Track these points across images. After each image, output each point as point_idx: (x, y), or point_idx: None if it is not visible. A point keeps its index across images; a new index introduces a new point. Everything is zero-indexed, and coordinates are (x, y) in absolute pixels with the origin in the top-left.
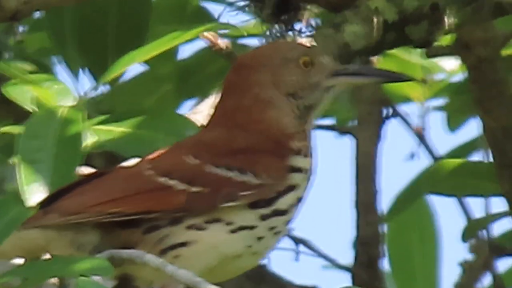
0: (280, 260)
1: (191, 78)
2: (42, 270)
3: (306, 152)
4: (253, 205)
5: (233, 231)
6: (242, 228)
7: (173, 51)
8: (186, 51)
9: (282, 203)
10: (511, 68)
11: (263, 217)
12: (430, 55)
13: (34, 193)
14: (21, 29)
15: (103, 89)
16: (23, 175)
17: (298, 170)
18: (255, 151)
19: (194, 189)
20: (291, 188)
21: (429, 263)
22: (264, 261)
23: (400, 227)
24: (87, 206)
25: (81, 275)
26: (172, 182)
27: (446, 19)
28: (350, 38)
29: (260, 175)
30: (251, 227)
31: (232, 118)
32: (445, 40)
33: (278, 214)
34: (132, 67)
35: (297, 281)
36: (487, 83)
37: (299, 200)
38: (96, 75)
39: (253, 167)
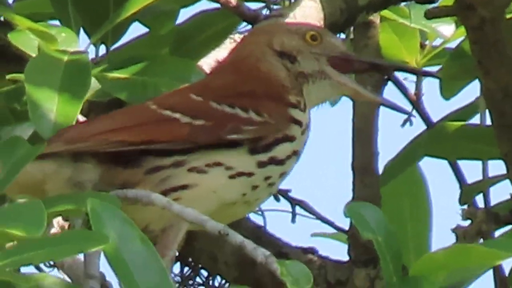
0: (277, 222)
1: (186, 43)
2: (49, 206)
3: (302, 107)
4: (252, 150)
5: (231, 177)
6: (240, 174)
7: (174, 13)
8: (185, 17)
9: (279, 151)
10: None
11: (261, 164)
12: (429, 16)
13: (46, 118)
14: None
15: (100, 51)
16: (32, 102)
17: (297, 122)
18: (258, 96)
19: (198, 122)
20: (289, 138)
21: (421, 231)
22: (260, 223)
23: (392, 195)
24: (92, 134)
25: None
26: (176, 115)
27: None
28: None
29: (263, 114)
30: (249, 174)
31: (232, 67)
32: (448, 1)
33: (275, 163)
34: (131, 30)
35: (294, 242)
36: (488, 44)
37: (296, 153)
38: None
39: (256, 108)
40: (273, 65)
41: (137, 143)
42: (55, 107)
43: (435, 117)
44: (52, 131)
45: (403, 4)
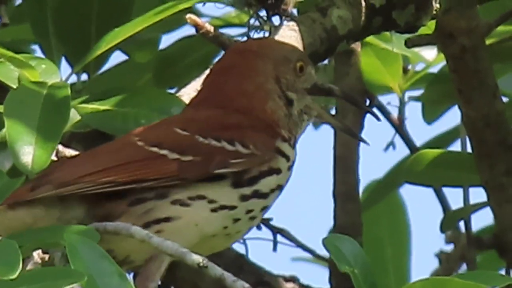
0: (258, 250)
1: (169, 68)
2: (29, 240)
3: (292, 144)
4: (236, 184)
5: (214, 210)
6: (223, 207)
7: (155, 41)
8: (168, 42)
9: (263, 184)
10: (494, 57)
11: (243, 198)
12: (409, 45)
13: (24, 152)
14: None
15: (82, 78)
16: (11, 135)
17: (284, 155)
18: (245, 127)
19: (185, 158)
20: (275, 171)
21: (401, 255)
22: (242, 251)
23: (371, 219)
24: (81, 176)
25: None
26: (163, 152)
27: (433, 4)
28: (337, 22)
29: (248, 146)
30: (231, 207)
31: (231, 100)
32: (428, 29)
33: (258, 197)
34: (112, 57)
35: (276, 271)
36: (469, 72)
37: (279, 187)
38: (78, 64)
39: (242, 139)
40: (278, 105)
41: (126, 183)
42: (33, 141)
43: (418, 141)
44: (31, 167)
45: None
